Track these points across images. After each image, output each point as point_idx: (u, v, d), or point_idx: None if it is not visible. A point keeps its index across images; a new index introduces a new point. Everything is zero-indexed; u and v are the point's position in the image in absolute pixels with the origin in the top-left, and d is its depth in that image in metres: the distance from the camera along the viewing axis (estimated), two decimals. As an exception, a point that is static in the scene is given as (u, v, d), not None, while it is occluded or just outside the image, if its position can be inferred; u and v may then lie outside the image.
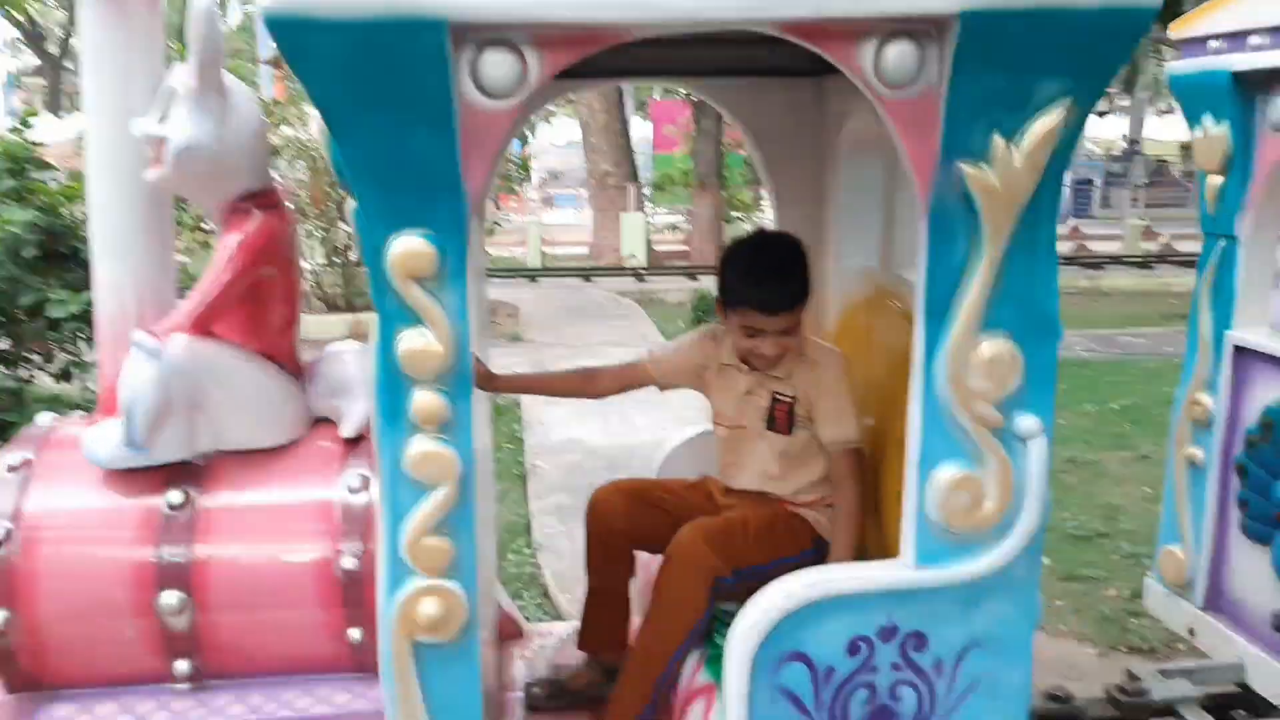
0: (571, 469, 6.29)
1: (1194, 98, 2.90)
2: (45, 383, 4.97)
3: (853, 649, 1.85)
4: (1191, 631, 3.13)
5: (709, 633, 2.26)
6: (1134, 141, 31.26)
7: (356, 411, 2.20)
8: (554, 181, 20.74)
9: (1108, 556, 4.92)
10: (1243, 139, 2.80)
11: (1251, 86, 2.76)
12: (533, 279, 15.13)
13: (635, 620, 2.56)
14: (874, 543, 2.43)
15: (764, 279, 2.25)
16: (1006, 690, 1.93)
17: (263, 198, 2.11)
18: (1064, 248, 17.87)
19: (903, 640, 1.86)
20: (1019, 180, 1.62)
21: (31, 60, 31.97)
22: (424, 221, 1.57)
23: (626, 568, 2.56)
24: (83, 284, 4.03)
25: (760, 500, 2.42)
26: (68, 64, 29.42)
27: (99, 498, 2.12)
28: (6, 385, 4.71)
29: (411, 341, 1.62)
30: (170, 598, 2.04)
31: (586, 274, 15.55)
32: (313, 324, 9.85)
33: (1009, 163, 1.61)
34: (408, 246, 1.57)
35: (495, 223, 13.55)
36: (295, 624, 2.13)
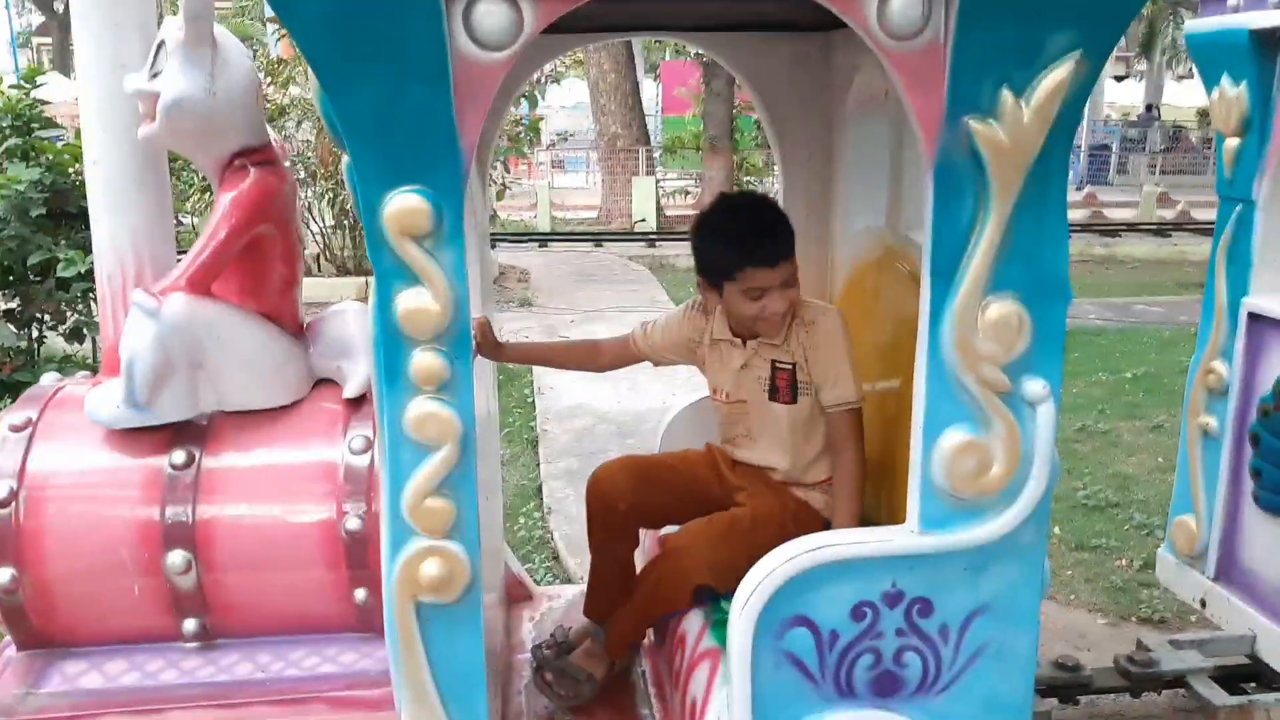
0: (581, 434, 6.30)
1: (1211, 58, 2.84)
2: (57, 343, 4.99)
3: (858, 614, 1.84)
4: (1203, 602, 3.11)
5: (715, 597, 2.26)
6: (1152, 107, 30.90)
7: (359, 372, 2.19)
8: (562, 144, 20.62)
9: (1120, 526, 4.91)
10: (1261, 100, 2.74)
11: (1271, 45, 2.70)
12: (543, 244, 15.11)
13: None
14: (884, 508, 2.42)
15: (756, 235, 2.21)
16: (1013, 657, 1.91)
17: (259, 154, 2.08)
18: (1079, 214, 17.73)
19: (908, 606, 1.85)
20: (1028, 136, 1.58)
21: (39, 18, 31.88)
22: (419, 178, 1.54)
23: (630, 544, 2.55)
24: (91, 244, 4.03)
25: (768, 487, 2.38)
26: (76, 22, 29.27)
27: (102, 457, 2.11)
28: (17, 345, 4.74)
29: (409, 301, 1.59)
30: (176, 557, 2.05)
31: (597, 238, 15.51)
32: (324, 287, 9.87)
33: (1018, 118, 1.57)
34: (403, 204, 1.54)
35: (505, 186, 13.50)
36: (301, 584, 2.13)
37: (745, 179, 16.50)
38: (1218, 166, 2.95)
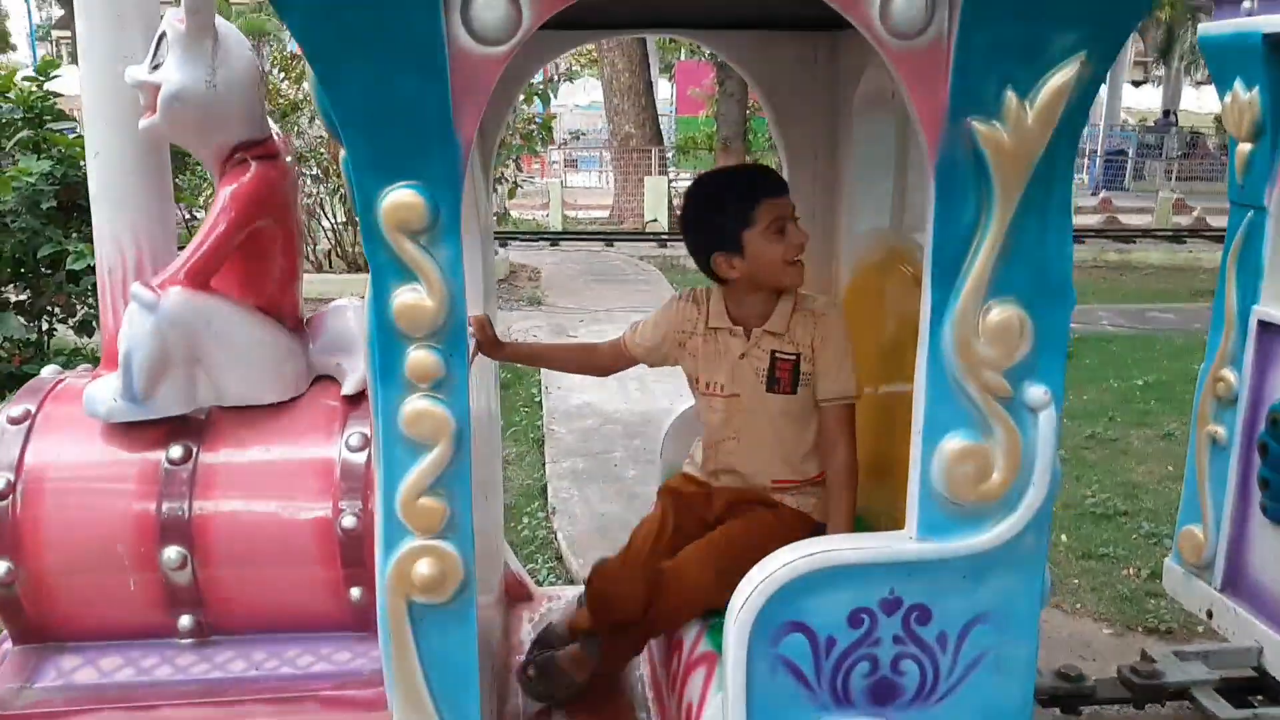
0: (588, 434, 6.29)
1: (1224, 61, 2.81)
2: (67, 336, 5.00)
3: (854, 620, 1.82)
4: (1209, 613, 3.07)
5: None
6: (1169, 113, 30.73)
7: (358, 369, 2.18)
8: (575, 143, 20.64)
9: (1128, 535, 4.87)
10: (1274, 105, 2.71)
11: (1285, 50, 2.67)
12: (554, 242, 15.11)
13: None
14: (883, 513, 2.40)
15: (754, 173, 2.25)
16: (1012, 666, 1.89)
17: (259, 148, 2.07)
18: (1094, 220, 17.66)
19: (906, 613, 1.82)
20: (1032, 138, 1.55)
21: (59, 12, 32.07)
22: (415, 173, 1.52)
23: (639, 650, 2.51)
24: (100, 237, 4.03)
25: (758, 504, 2.33)
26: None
27: (100, 451, 2.11)
28: (27, 338, 4.75)
29: (405, 297, 1.58)
30: (172, 552, 2.04)
31: (608, 238, 15.50)
32: (335, 283, 9.88)
33: (1021, 119, 1.54)
34: (398, 199, 1.52)
35: (517, 184, 13.50)
36: (296, 581, 2.12)
37: (758, 180, 16.47)
38: (1229, 172, 2.92)
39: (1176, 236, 15.92)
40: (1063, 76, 1.53)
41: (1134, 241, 15.52)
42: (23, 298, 4.74)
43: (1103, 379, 7.53)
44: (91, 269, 4.31)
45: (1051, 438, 1.73)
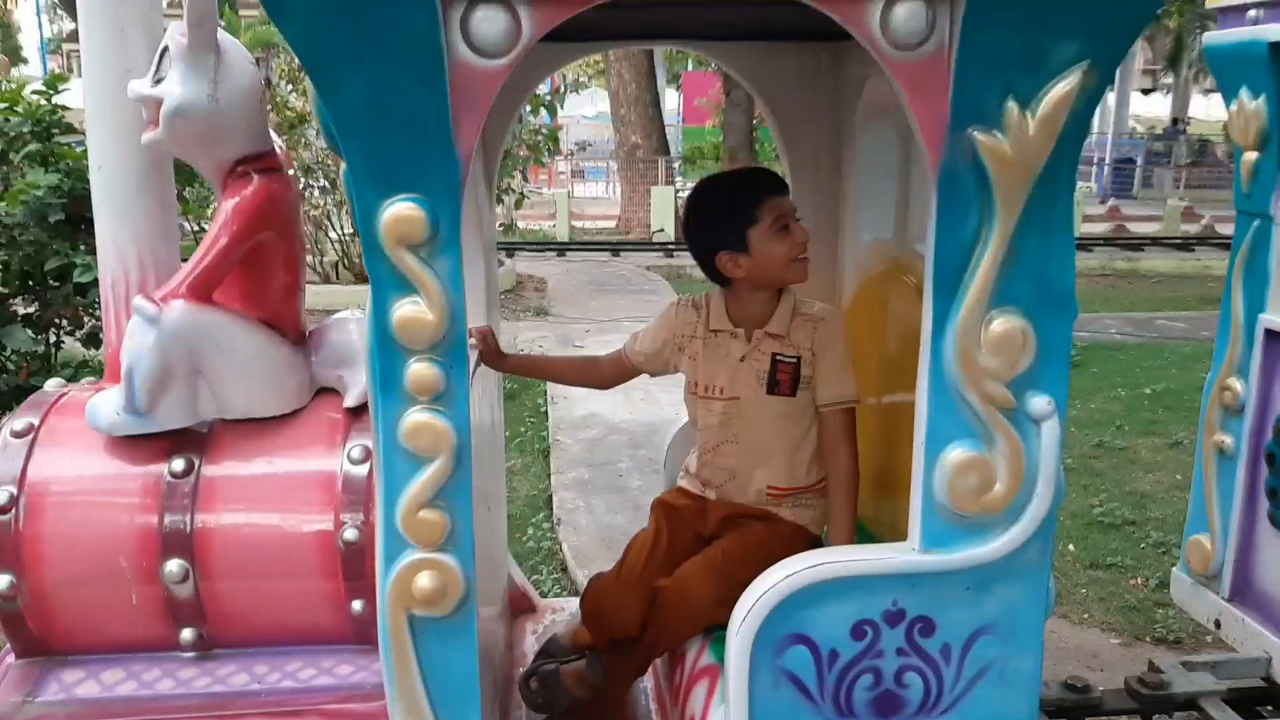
0: (593, 444, 6.29)
1: (1230, 69, 2.79)
2: (74, 349, 5.02)
3: (858, 633, 1.81)
4: (1217, 623, 3.05)
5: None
6: (1178, 120, 30.69)
7: (360, 381, 2.17)
8: (581, 154, 20.70)
9: (1136, 545, 4.85)
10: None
11: (1291, 58, 2.66)
12: (561, 253, 15.13)
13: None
14: (886, 524, 2.39)
15: (757, 173, 2.29)
16: (1016, 678, 1.87)
17: (262, 161, 2.07)
18: (1102, 228, 17.62)
19: (909, 625, 1.81)
20: (1033, 149, 1.55)
21: (71, 25, 32.27)
22: (415, 186, 1.52)
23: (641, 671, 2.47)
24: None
25: (754, 517, 2.31)
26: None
27: (103, 464, 2.11)
28: (35, 350, 4.76)
29: (405, 310, 1.58)
30: (174, 565, 2.04)
31: (615, 248, 15.51)
32: (342, 295, 9.90)
33: (1023, 130, 1.54)
34: (398, 212, 1.52)
35: (524, 195, 13.54)
36: (298, 595, 2.12)
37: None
38: (1235, 180, 2.90)
39: (1185, 244, 15.88)
40: (1065, 87, 1.53)
41: (1142, 249, 15.49)
42: (31, 310, 4.76)
43: (1111, 388, 7.51)
44: (99, 281, 4.34)
45: (1055, 449, 1.72)
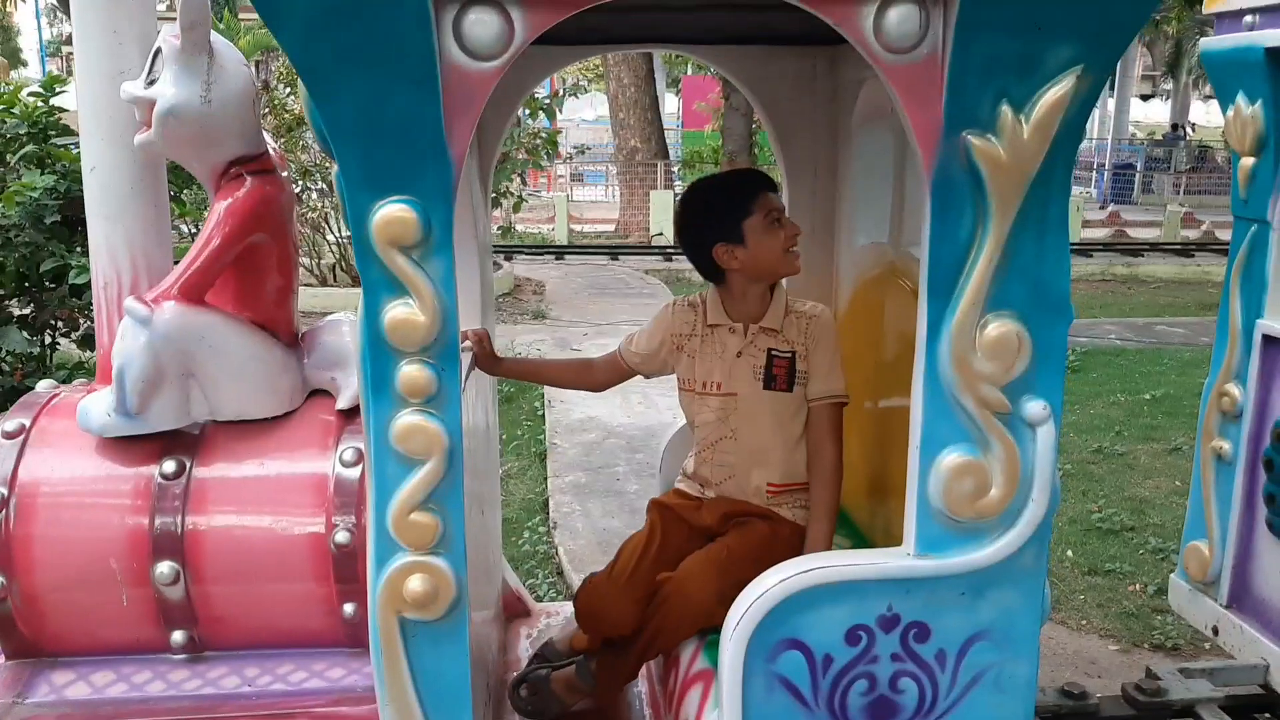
0: (590, 448, 6.27)
1: (1227, 75, 2.79)
2: (70, 350, 5.01)
3: (852, 638, 1.80)
4: (1215, 630, 3.04)
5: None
6: (1178, 126, 30.73)
7: (352, 383, 2.16)
8: (580, 157, 20.70)
9: (1134, 551, 4.83)
10: (1277, 118, 2.69)
11: (1288, 64, 2.65)
12: (559, 256, 15.13)
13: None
14: (881, 529, 2.38)
15: (750, 171, 2.34)
16: (1012, 684, 1.87)
17: (255, 163, 2.07)
18: (1102, 233, 17.63)
19: (904, 630, 1.80)
20: (1028, 152, 1.54)
21: (68, 28, 32.31)
22: (407, 188, 1.52)
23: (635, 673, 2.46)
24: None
25: (752, 515, 2.31)
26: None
27: (94, 465, 2.10)
28: (30, 351, 4.75)
29: (396, 312, 1.57)
30: (165, 567, 2.03)
31: (613, 251, 15.51)
32: (339, 297, 9.90)
33: (1017, 134, 1.53)
34: (390, 214, 1.52)
35: (522, 198, 13.53)
36: (290, 597, 2.11)
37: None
38: (1233, 186, 2.90)
39: (1185, 250, 15.87)
40: (1059, 90, 1.52)
41: (1142, 255, 15.48)
42: (26, 312, 4.75)
43: (1110, 393, 7.50)
44: (93, 283, 4.33)
45: (1050, 453, 1.71)
